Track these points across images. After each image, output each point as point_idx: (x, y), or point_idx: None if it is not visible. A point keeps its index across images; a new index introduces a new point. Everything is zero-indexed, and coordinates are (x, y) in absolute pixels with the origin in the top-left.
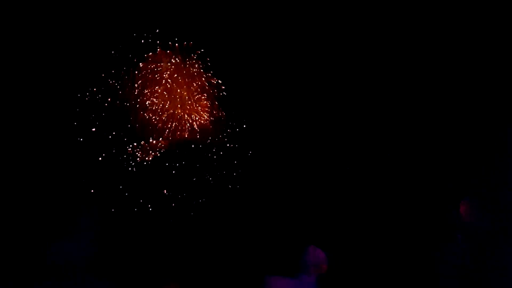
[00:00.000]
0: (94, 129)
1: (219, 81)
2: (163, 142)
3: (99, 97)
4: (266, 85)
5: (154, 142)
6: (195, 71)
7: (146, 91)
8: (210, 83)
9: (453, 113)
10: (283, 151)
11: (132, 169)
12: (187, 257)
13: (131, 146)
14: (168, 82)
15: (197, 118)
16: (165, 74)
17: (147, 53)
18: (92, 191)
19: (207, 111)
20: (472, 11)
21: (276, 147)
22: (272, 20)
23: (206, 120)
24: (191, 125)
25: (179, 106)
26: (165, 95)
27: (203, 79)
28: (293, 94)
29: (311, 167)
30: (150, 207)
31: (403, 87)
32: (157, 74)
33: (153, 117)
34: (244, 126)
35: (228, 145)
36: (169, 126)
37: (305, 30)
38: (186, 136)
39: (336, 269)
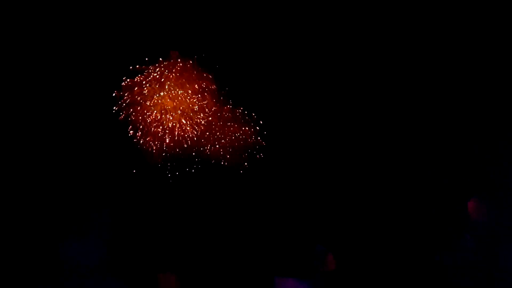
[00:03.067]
0: (105, 134)
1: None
2: (170, 146)
3: (110, 99)
4: (269, 90)
5: (162, 146)
6: (200, 78)
7: (152, 97)
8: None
9: (462, 113)
10: (290, 153)
11: (141, 171)
12: (192, 254)
13: (140, 150)
14: (173, 88)
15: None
16: (170, 79)
17: (154, 58)
18: (103, 193)
19: (211, 115)
20: (472, 11)
21: (283, 148)
22: (276, 30)
23: (211, 123)
24: (196, 129)
25: (183, 110)
26: (170, 101)
27: (205, 85)
28: (302, 107)
29: (318, 169)
30: (157, 207)
31: (412, 90)
32: (162, 80)
33: (160, 122)
34: (252, 128)
35: (235, 147)
36: (175, 130)
37: (308, 34)
38: (191, 139)
39: (344, 269)
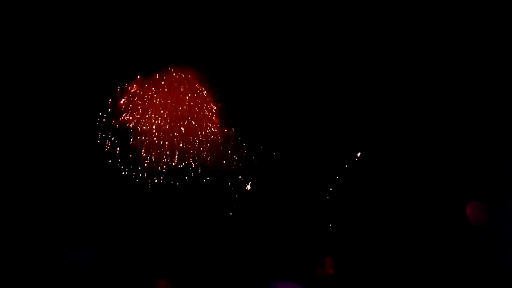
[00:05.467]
0: (102, 141)
1: (220, 99)
2: (166, 154)
3: (108, 110)
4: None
5: (159, 155)
6: (198, 89)
7: (150, 107)
8: (211, 101)
9: (459, 113)
10: (286, 158)
11: (136, 179)
12: (187, 258)
13: (136, 157)
14: (171, 99)
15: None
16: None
17: (153, 70)
18: (100, 199)
19: (208, 126)
20: (472, 11)
21: (279, 154)
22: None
23: (208, 134)
24: (193, 139)
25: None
26: (168, 111)
27: (204, 97)
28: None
29: (316, 173)
30: (151, 213)
31: (412, 90)
32: (160, 91)
33: (157, 132)
34: (245, 136)
35: (232, 154)
36: (172, 140)
37: (308, 48)
38: (189, 149)
39: (342, 272)
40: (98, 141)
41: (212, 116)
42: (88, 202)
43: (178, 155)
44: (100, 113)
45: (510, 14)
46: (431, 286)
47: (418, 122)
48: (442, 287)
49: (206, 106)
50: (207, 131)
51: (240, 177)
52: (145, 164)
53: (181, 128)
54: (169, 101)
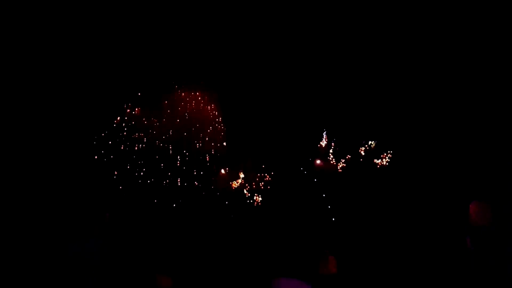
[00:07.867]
0: (109, 144)
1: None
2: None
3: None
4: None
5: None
6: (210, 109)
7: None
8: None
9: (463, 115)
10: (289, 158)
11: (139, 177)
12: (191, 255)
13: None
14: (178, 116)
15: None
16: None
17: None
18: (104, 196)
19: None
20: (473, 11)
21: (283, 155)
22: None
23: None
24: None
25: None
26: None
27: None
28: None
29: (317, 172)
30: (155, 209)
31: (419, 92)
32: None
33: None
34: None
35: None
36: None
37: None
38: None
39: (344, 271)
40: (106, 146)
41: (218, 133)
42: (92, 197)
43: (182, 166)
44: (108, 124)
45: (510, 14)
46: (433, 284)
47: (422, 122)
48: (443, 285)
49: (213, 124)
50: (213, 146)
51: (244, 181)
52: (154, 170)
53: (187, 143)
54: (176, 119)
